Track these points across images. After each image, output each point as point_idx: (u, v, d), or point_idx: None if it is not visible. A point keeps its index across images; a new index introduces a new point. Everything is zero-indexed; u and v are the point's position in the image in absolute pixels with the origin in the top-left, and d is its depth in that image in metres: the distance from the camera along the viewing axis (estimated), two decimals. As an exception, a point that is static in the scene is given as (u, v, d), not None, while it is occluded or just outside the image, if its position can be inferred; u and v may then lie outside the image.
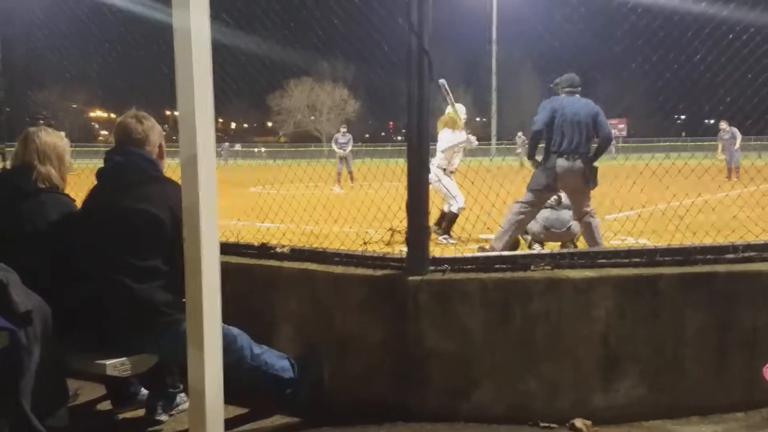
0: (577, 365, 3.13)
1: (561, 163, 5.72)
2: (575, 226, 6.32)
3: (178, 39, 2.21)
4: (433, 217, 6.81)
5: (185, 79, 2.22)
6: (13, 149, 3.99)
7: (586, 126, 5.73)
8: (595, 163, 5.84)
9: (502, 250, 5.71)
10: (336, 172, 17.59)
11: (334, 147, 19.09)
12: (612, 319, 3.12)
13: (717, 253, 3.36)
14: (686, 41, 3.81)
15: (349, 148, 19.00)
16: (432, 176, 7.39)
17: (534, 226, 6.45)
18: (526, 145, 7.38)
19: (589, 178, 5.71)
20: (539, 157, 6.03)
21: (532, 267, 3.23)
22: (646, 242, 3.83)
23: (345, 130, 19.73)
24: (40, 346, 2.60)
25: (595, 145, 5.89)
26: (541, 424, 3.09)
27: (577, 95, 5.92)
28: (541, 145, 6.02)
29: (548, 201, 6.35)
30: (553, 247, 6.41)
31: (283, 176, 4.60)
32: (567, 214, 6.34)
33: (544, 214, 6.39)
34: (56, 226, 2.95)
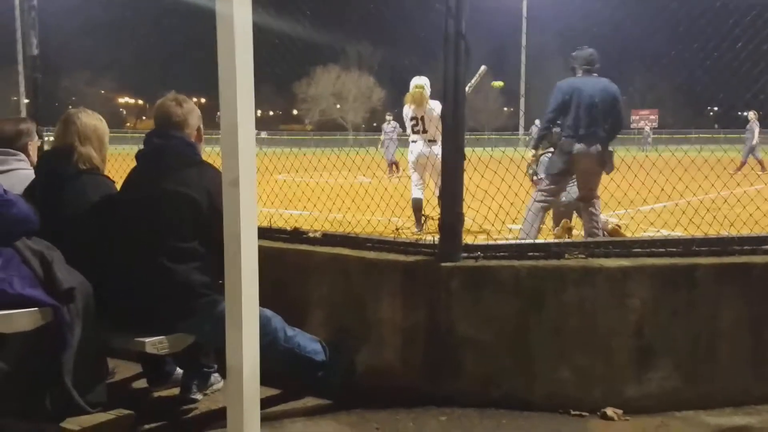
0: (610, 354, 3.12)
1: (577, 147, 5.52)
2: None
3: (220, 24, 2.23)
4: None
5: (227, 64, 2.24)
6: (49, 133, 4.07)
7: (603, 109, 5.49)
8: (610, 147, 5.65)
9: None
10: (386, 161, 17.45)
11: (383, 137, 18.93)
12: (647, 309, 3.10)
13: (754, 243, 3.32)
14: (727, 29, 3.74)
15: (395, 136, 18.66)
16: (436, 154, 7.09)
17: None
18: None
19: (605, 161, 5.54)
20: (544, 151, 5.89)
21: (566, 255, 3.22)
22: (680, 234, 3.79)
23: (390, 118, 19.45)
24: (82, 323, 2.65)
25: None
26: (573, 413, 3.09)
27: (595, 75, 5.67)
28: (556, 129, 5.89)
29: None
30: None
31: (315, 164, 4.62)
32: None
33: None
34: (97, 207, 3.00)
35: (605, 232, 5.92)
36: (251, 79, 2.28)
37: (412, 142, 7.56)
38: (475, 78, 7.26)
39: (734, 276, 3.16)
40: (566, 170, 5.72)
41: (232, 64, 2.23)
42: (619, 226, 5.88)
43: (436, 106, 7.35)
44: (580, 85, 5.57)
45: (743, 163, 18.10)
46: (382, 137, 19.10)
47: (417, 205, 7.40)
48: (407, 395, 3.22)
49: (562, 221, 6.47)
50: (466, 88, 3.21)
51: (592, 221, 5.74)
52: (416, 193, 7.44)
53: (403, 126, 8.24)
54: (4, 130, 3.38)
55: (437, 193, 3.25)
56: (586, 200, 5.80)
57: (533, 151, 6.02)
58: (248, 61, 2.27)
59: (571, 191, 6.35)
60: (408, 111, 7.53)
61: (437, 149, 7.02)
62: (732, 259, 3.21)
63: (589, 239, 3.58)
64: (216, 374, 3.36)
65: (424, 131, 7.37)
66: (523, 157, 4.12)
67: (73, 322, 2.62)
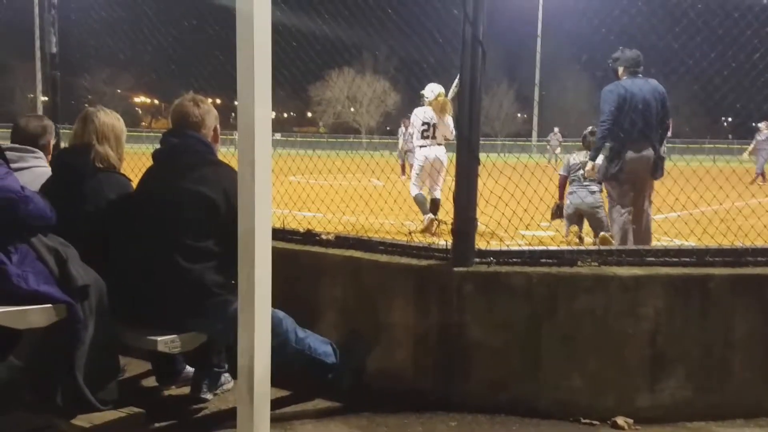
0: (621, 363, 3.10)
1: (630, 154, 5.33)
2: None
3: (240, 22, 2.25)
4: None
5: (245, 61, 2.25)
6: (66, 131, 4.11)
7: (656, 112, 5.34)
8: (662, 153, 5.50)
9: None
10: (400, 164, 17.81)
11: (401, 140, 19.20)
12: (659, 318, 3.08)
13: (769, 255, 3.29)
14: (745, 38, 3.72)
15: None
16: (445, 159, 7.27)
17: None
18: (560, 143, 7.20)
19: (656, 167, 5.39)
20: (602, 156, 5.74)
21: (579, 262, 3.21)
22: (694, 244, 3.77)
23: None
24: (95, 320, 2.67)
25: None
26: (583, 421, 3.07)
27: (641, 75, 5.48)
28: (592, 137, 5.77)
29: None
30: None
31: (329, 166, 4.64)
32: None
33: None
34: (113, 205, 3.03)
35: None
36: (269, 77, 2.29)
37: (421, 147, 7.68)
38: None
39: (748, 287, 3.14)
40: (620, 178, 5.48)
41: (250, 61, 2.23)
42: (612, 236, 5.79)
43: (449, 121, 7.52)
44: (633, 88, 5.37)
45: (758, 174, 17.96)
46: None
47: (421, 199, 7.50)
48: (417, 399, 3.22)
49: (570, 227, 6.47)
50: (450, 91, 3.24)
51: (626, 238, 5.54)
52: (417, 190, 7.56)
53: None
54: (29, 127, 3.44)
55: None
56: (640, 207, 5.58)
57: (592, 163, 5.90)
58: (267, 60, 2.28)
59: (580, 196, 6.35)
60: (425, 114, 7.61)
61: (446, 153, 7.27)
62: (746, 271, 3.19)
63: (603, 247, 3.54)
64: (227, 374, 3.38)
65: (434, 137, 7.58)
66: (537, 163, 4.10)
67: (87, 319, 2.64)
